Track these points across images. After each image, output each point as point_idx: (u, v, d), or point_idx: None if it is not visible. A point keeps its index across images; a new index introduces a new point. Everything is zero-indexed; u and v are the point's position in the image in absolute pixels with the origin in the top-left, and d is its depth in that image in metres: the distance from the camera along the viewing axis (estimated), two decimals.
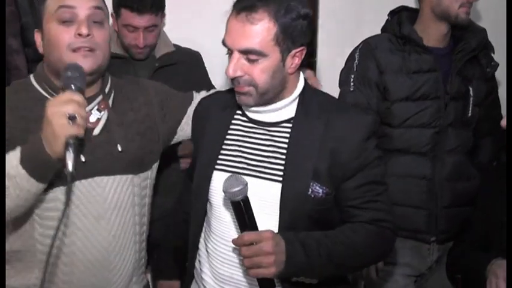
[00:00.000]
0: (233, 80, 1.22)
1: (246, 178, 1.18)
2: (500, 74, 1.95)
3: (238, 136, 1.31)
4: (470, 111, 1.81)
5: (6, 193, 1.14)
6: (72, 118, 1.09)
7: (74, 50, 1.23)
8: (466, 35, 1.79)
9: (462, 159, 1.80)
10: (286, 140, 1.26)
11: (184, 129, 1.51)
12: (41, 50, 1.31)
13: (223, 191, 1.13)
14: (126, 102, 1.41)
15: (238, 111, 1.33)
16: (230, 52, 1.21)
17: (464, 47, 1.78)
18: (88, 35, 1.23)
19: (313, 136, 1.24)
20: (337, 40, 1.96)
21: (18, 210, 1.20)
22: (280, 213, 1.22)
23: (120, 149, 1.31)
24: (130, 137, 1.36)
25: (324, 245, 1.18)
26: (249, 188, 1.15)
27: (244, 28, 1.16)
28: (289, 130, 1.26)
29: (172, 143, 1.54)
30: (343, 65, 1.87)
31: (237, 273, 1.27)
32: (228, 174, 1.20)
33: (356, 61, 1.80)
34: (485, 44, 1.83)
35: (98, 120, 1.33)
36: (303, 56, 1.25)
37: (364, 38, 1.87)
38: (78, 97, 1.12)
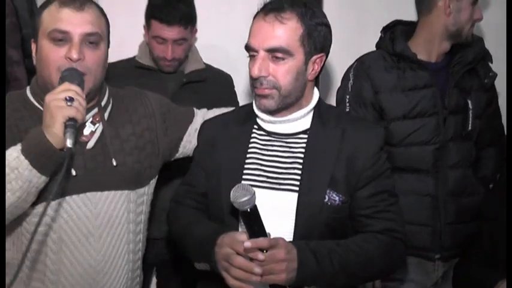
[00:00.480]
0: (256, 80, 1.25)
1: (265, 191, 1.25)
2: (500, 84, 1.95)
3: (256, 149, 1.34)
4: (470, 125, 1.80)
5: (9, 187, 1.14)
6: (70, 100, 1.13)
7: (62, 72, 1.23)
8: (462, 47, 1.80)
9: (465, 173, 1.80)
10: (304, 150, 1.30)
11: (186, 147, 1.52)
12: (34, 61, 1.31)
13: (232, 201, 1.14)
14: (125, 114, 1.40)
15: (255, 126, 1.36)
16: (253, 54, 1.26)
17: (461, 59, 1.79)
18: (78, 59, 1.22)
19: (330, 145, 1.29)
20: (341, 50, 1.91)
21: (20, 206, 1.19)
22: (296, 221, 1.25)
23: (114, 163, 1.30)
24: (127, 151, 1.35)
25: (336, 253, 1.20)
26: (267, 200, 1.21)
27: (273, 27, 1.22)
28: (305, 140, 1.31)
29: (172, 159, 1.53)
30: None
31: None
32: (254, 188, 1.22)
33: (351, 81, 1.81)
34: (483, 55, 1.84)
35: (92, 133, 1.33)
36: (322, 64, 1.31)
37: (365, 49, 1.88)
38: (75, 87, 1.15)
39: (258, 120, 1.36)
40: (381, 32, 1.87)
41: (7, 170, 1.13)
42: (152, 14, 1.88)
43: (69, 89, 1.15)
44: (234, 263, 1.14)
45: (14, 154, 1.14)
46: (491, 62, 1.87)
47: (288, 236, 1.24)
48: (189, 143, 1.51)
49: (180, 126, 1.50)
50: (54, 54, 1.23)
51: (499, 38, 2.13)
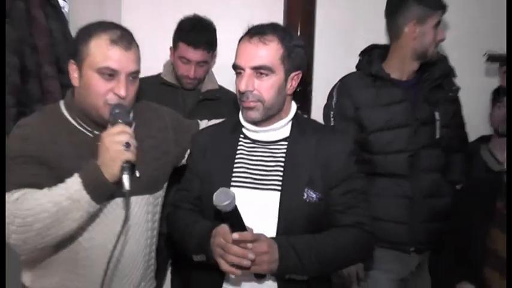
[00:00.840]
0: (243, 94, 1.38)
1: (252, 191, 1.38)
2: (463, 96, 2.10)
3: (243, 155, 1.46)
4: (438, 134, 1.94)
5: (70, 216, 1.26)
6: (127, 145, 1.27)
7: (107, 104, 1.34)
8: (429, 65, 1.96)
9: (436, 177, 1.93)
10: (284, 155, 1.43)
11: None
12: (75, 83, 1.40)
13: (215, 204, 1.24)
14: (145, 129, 1.51)
15: (241, 135, 1.49)
16: (240, 72, 1.39)
17: (428, 77, 1.94)
18: (125, 97, 1.34)
19: (307, 150, 1.43)
20: (331, 70, 2.11)
21: (75, 231, 1.32)
22: (279, 216, 1.37)
23: (138, 174, 1.40)
24: (147, 162, 1.46)
25: (313, 247, 1.33)
26: (253, 199, 1.35)
27: (257, 48, 1.37)
28: (286, 146, 1.44)
29: (178, 165, 1.65)
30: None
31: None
32: (242, 189, 1.37)
33: (334, 99, 1.98)
34: (448, 71, 1.99)
35: None
36: (298, 80, 1.46)
37: (353, 67, 2.04)
38: (128, 129, 1.30)
39: (244, 130, 1.48)
40: (359, 55, 2.04)
41: (68, 201, 1.25)
42: (180, 37, 2.08)
43: (124, 131, 1.28)
44: (230, 250, 1.25)
45: (75, 187, 1.25)
46: (455, 77, 2.03)
47: (272, 229, 1.35)
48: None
49: (187, 138, 1.60)
50: (102, 88, 1.33)
51: (464, 53, 2.35)
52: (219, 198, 1.25)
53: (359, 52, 2.08)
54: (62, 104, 1.46)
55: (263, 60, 1.37)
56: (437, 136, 1.94)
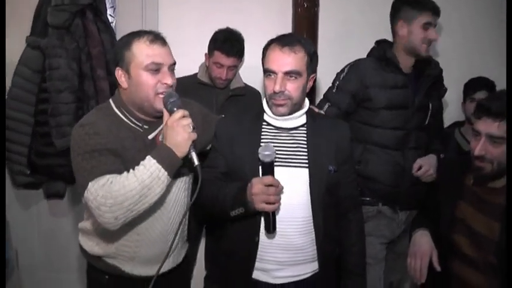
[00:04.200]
0: (276, 94, 1.57)
1: (281, 168, 1.56)
2: (449, 97, 2.47)
3: (268, 139, 1.63)
4: (427, 120, 2.23)
5: (152, 192, 1.41)
6: (194, 128, 1.44)
7: (157, 93, 1.50)
8: (428, 66, 2.21)
9: (421, 152, 2.22)
10: (305, 138, 1.64)
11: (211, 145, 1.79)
12: (124, 85, 1.53)
13: (259, 153, 1.47)
14: None
15: (264, 123, 1.67)
16: (271, 75, 1.58)
17: (430, 72, 2.21)
18: (172, 84, 1.52)
19: (322, 133, 1.66)
20: (333, 68, 2.33)
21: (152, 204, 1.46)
22: (310, 190, 1.59)
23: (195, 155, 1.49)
24: None
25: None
26: (284, 174, 1.53)
27: (289, 56, 1.56)
28: (305, 131, 1.66)
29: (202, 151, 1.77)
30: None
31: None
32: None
33: (344, 73, 2.22)
34: (440, 74, 2.29)
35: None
36: (313, 80, 1.68)
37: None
38: (187, 113, 1.45)
39: (267, 119, 1.66)
40: (374, 43, 2.29)
41: (150, 178, 1.39)
42: (215, 46, 2.40)
43: (186, 115, 1.43)
44: (269, 191, 1.45)
45: (153, 166, 1.40)
46: (443, 80, 2.31)
47: (304, 200, 1.58)
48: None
49: (212, 128, 1.75)
50: (151, 81, 1.49)
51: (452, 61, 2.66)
52: (264, 150, 1.47)
53: (355, 49, 2.37)
54: (112, 103, 1.60)
55: (293, 66, 1.56)
56: (426, 122, 2.23)
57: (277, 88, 1.55)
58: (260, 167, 1.53)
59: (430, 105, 2.23)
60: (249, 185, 1.51)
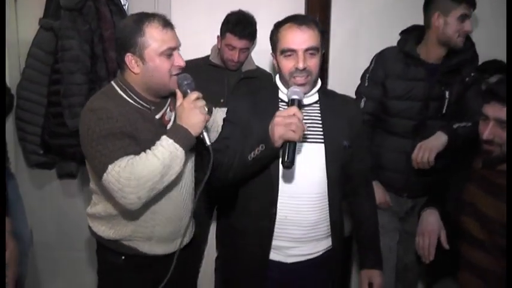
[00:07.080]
0: (299, 71, 1.57)
1: (299, 144, 1.53)
2: None
3: None
4: (445, 109, 2.20)
5: (172, 170, 1.46)
6: (208, 111, 1.51)
7: (172, 75, 1.54)
8: (454, 52, 2.16)
9: None
10: (319, 114, 1.68)
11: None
12: (136, 70, 1.54)
13: (289, 90, 1.54)
14: None
15: (280, 101, 1.70)
16: (290, 54, 1.59)
17: (446, 63, 2.18)
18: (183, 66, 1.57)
19: (335, 109, 1.70)
20: (346, 49, 2.40)
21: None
22: (326, 164, 1.63)
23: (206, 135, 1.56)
24: None
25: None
26: (299, 152, 1.55)
27: (309, 33, 1.59)
28: (318, 108, 1.69)
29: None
30: (350, 69, 2.41)
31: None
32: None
33: (372, 65, 2.29)
34: (471, 58, 2.23)
35: (170, 117, 1.64)
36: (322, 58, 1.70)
37: (363, 50, 2.29)
38: (200, 95, 1.52)
39: (282, 96, 1.69)
40: (400, 34, 2.30)
41: (170, 157, 1.44)
42: (228, 28, 2.40)
43: (200, 97, 1.50)
44: (292, 119, 1.41)
45: (171, 146, 1.46)
46: (478, 64, 2.28)
47: (321, 174, 1.62)
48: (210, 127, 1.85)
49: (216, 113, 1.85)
50: (167, 65, 1.53)
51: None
52: (293, 90, 1.54)
53: (368, 34, 2.40)
54: (115, 86, 1.60)
55: (312, 42, 1.59)
56: (444, 111, 2.21)
57: (301, 65, 1.57)
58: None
59: (447, 93, 2.20)
60: (271, 124, 1.48)
